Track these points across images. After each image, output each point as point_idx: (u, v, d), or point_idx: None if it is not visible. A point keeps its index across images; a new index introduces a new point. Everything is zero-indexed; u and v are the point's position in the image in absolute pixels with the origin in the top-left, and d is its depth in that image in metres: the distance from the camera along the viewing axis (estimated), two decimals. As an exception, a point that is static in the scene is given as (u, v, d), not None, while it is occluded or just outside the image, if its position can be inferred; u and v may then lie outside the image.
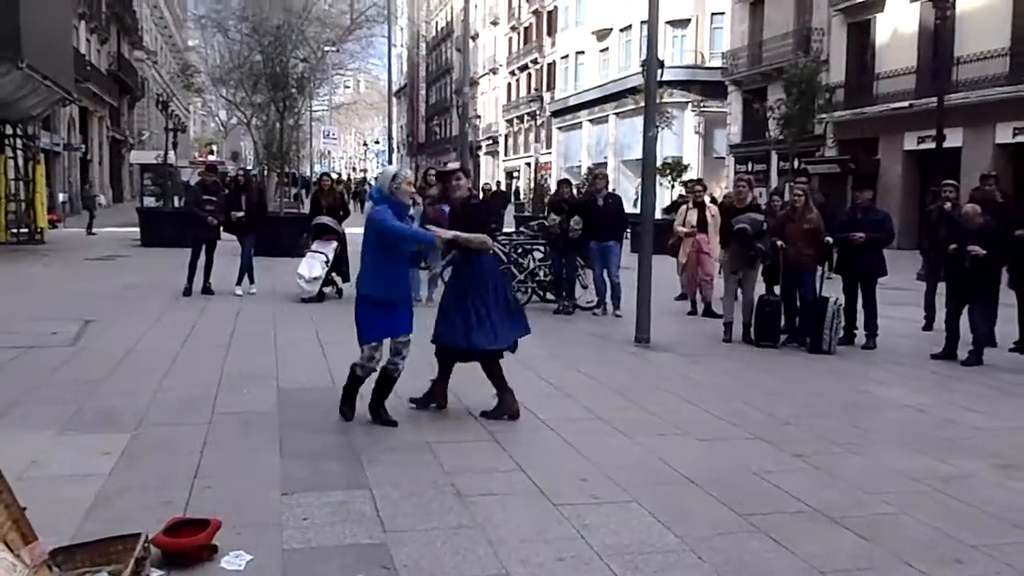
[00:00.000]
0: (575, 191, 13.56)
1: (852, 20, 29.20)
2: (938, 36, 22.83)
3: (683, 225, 12.09)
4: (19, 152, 22.06)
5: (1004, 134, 23.32)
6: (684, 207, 12.45)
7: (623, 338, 9.82)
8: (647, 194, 10.11)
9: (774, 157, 32.56)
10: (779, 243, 9.44)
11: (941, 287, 10.43)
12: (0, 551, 3.22)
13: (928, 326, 10.87)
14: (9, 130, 21.84)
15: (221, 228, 12.51)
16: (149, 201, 25.86)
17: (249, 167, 32.59)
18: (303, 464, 5.12)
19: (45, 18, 19.16)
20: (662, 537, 4.22)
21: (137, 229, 21.76)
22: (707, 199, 12.85)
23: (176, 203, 22.90)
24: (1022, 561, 4.04)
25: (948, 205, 10.30)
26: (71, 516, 4.19)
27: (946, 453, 5.76)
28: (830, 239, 9.53)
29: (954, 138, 22.95)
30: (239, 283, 12.61)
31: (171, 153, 31.15)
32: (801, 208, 9.52)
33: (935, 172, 17.37)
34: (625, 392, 7.29)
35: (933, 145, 20.82)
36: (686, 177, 34.32)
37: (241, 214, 12.50)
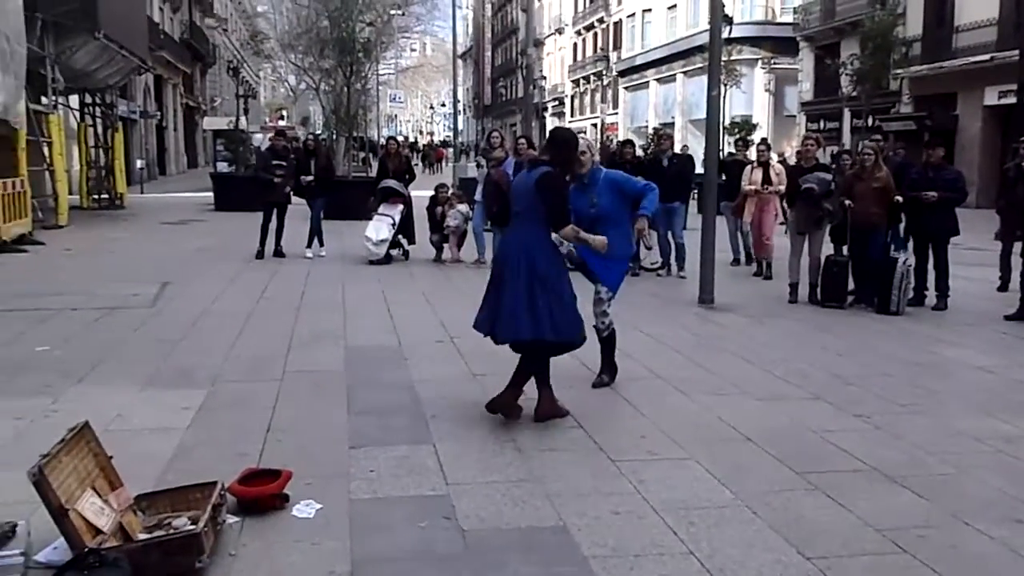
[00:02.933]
0: (643, 152, 13.51)
1: (931, -30, 28.19)
2: (1022, -15, 21.92)
3: (749, 184, 11.95)
4: (98, 120, 22.78)
5: (1091, 87, 22.34)
6: (749, 166, 12.30)
7: (687, 299, 9.82)
8: (711, 155, 10.02)
9: (847, 115, 31.75)
10: (847, 202, 9.30)
11: (1018, 247, 10.19)
12: (90, 496, 3.46)
13: (1003, 287, 10.61)
14: (88, 99, 22.54)
15: (291, 192, 12.80)
16: (222, 166, 26.44)
17: (318, 132, 33.04)
18: (369, 419, 5.31)
19: (120, -12, 19.64)
20: (718, 493, 4.29)
21: (211, 194, 22.35)
22: (775, 157, 12.67)
23: (246, 168, 23.36)
24: (1083, 521, 4.02)
25: (1025, 162, 9.99)
26: (153, 466, 4.43)
27: (1012, 414, 5.68)
28: (900, 198, 9.34)
29: (1037, 92, 22.07)
30: (309, 246, 12.92)
31: (242, 119, 31.78)
32: (871, 167, 9.33)
33: (1016, 128, 16.75)
34: (686, 352, 7.33)
35: (1015, 100, 20.09)
36: (756, 136, 33.79)
37: (311, 178, 12.77)
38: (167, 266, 11.72)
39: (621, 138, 41.66)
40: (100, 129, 22.76)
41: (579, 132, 6.76)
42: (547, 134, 7.63)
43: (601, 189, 5.84)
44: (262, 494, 3.98)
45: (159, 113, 39.18)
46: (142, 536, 3.54)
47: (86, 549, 3.21)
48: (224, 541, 3.66)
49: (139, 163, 30.40)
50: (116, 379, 6.17)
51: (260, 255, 12.58)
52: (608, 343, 6.19)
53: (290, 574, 3.45)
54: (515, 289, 5.09)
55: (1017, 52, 19.59)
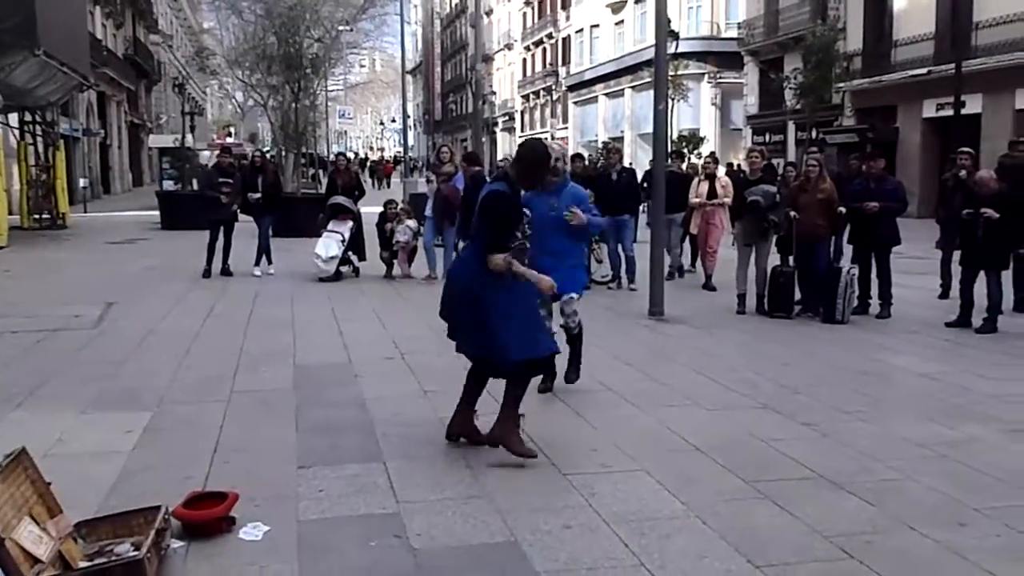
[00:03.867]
0: (593, 165, 13.61)
1: (870, -14, 28.88)
2: (956, 1, 22.54)
3: (695, 197, 12.08)
4: (39, 138, 22.30)
5: (1024, 99, 23.05)
6: (696, 179, 12.45)
7: (637, 312, 9.88)
8: (658, 168, 10.12)
9: (791, 127, 32.32)
10: (792, 213, 9.45)
11: (957, 255, 10.42)
12: (28, 524, 3.36)
13: (944, 294, 10.85)
14: (28, 117, 22.07)
15: (238, 210, 12.65)
16: (168, 184, 26.07)
17: (266, 148, 32.73)
18: (319, 438, 5.24)
19: (60, 4, 19.28)
20: (668, 504, 4.31)
21: (157, 212, 21.99)
22: (721, 171, 12.84)
23: (194, 186, 23.07)
24: (1023, 522, 4.10)
25: (963, 173, 10.25)
26: (95, 491, 4.33)
27: (955, 420, 5.80)
28: (843, 209, 9.52)
29: (973, 104, 22.70)
30: (257, 264, 12.77)
31: (189, 136, 31.39)
32: (815, 178, 9.50)
33: (954, 139, 17.23)
34: (637, 364, 7.37)
35: (952, 112, 20.64)
36: (704, 149, 34.23)
37: (258, 195, 12.64)
38: (112, 286, 11.49)
39: (572, 152, 41.98)
40: (41, 147, 22.27)
41: (552, 140, 6.93)
42: (514, 148, 7.63)
43: (564, 197, 6.08)
44: (208, 517, 3.90)
45: (103, 131, 38.50)
46: (83, 564, 3.44)
47: (23, 579, 3.11)
48: (169, 567, 3.59)
49: (82, 182, 29.79)
50: (57, 402, 6.02)
51: (207, 274, 12.40)
52: (578, 340, 6.44)
53: (237, 599, 3.39)
54: (464, 312, 4.90)
55: (953, 66, 20.13)
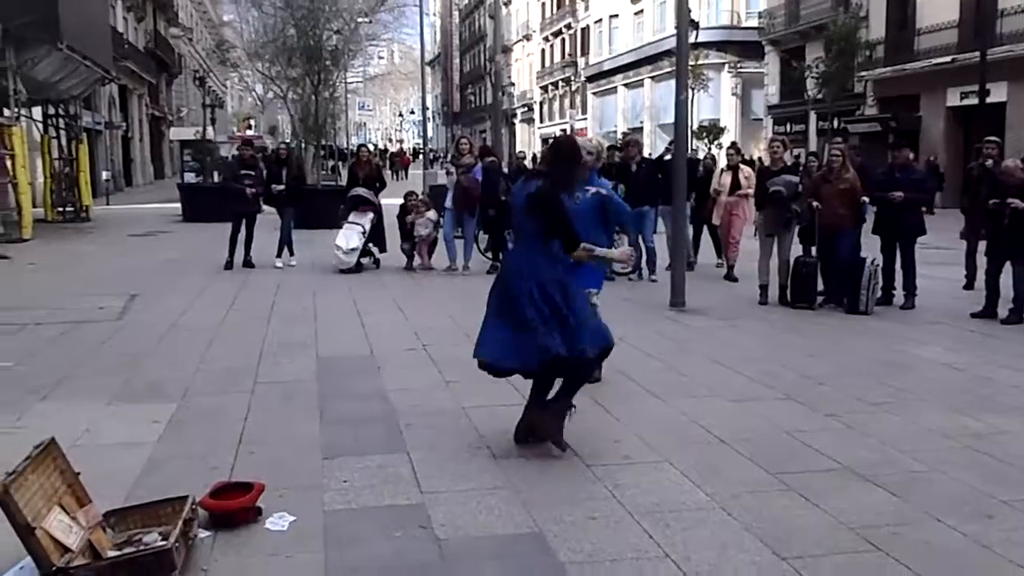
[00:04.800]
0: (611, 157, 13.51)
1: (893, -26, 28.60)
2: (981, -12, 22.30)
3: (718, 187, 12.01)
4: (62, 132, 22.49)
5: (1050, 87, 22.78)
6: (719, 169, 12.39)
7: (659, 303, 9.85)
8: (679, 159, 10.07)
9: (813, 117, 32.11)
10: (815, 204, 9.39)
11: (982, 246, 10.32)
12: (57, 513, 3.39)
13: (969, 285, 10.75)
14: (52, 110, 22.25)
15: (261, 201, 12.72)
16: (189, 177, 26.23)
17: (287, 141, 32.86)
18: (343, 430, 5.26)
19: (83, -1, 19.43)
20: (692, 495, 4.30)
21: (179, 205, 22.14)
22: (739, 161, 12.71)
23: (215, 178, 23.17)
24: (1052, 515, 4.07)
25: (989, 162, 10.14)
26: (122, 481, 4.37)
27: (981, 411, 5.75)
28: (866, 198, 9.44)
29: (998, 93, 22.48)
30: (279, 255, 12.83)
31: (209, 128, 31.54)
32: (838, 168, 9.43)
33: (978, 128, 17.05)
34: (658, 356, 7.35)
35: (976, 101, 20.42)
36: (724, 140, 34.04)
37: (282, 187, 12.70)
38: (135, 278, 11.58)
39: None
40: (64, 141, 22.47)
41: (589, 135, 6.90)
42: (533, 139, 7.60)
43: (589, 191, 5.94)
44: (234, 507, 3.93)
45: (124, 124, 38.75)
46: (111, 553, 3.47)
47: (54, 568, 3.15)
48: (196, 556, 3.61)
49: (105, 175, 30.05)
50: (83, 394, 6.08)
51: (229, 266, 12.47)
52: None
53: (264, 588, 3.41)
54: (534, 308, 4.61)
55: (977, 53, 19.90)
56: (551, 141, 5.58)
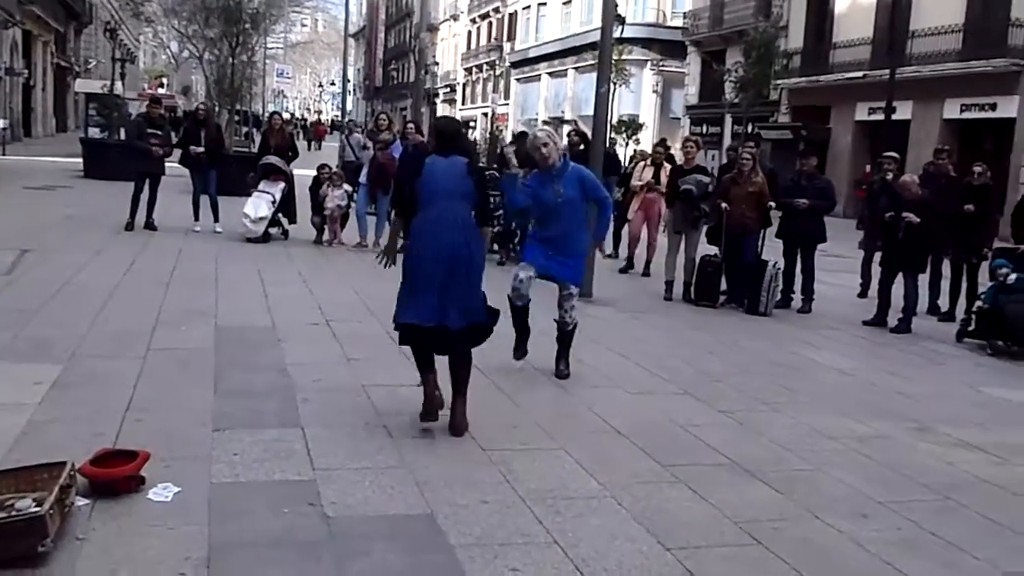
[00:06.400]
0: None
1: (813, -13, 29.36)
2: (895, 8, 23.07)
3: (638, 181, 12.10)
4: (-43, 74, 21.31)
5: (952, 110, 23.80)
6: (641, 164, 12.51)
7: (566, 292, 9.89)
8: (596, 151, 10.14)
9: (728, 120, 32.77)
10: (723, 205, 9.59)
11: (877, 256, 10.71)
12: (-79, 474, 3.22)
13: (863, 293, 11.17)
14: (-53, 51, 21.08)
15: (164, 163, 12.29)
16: (94, 132, 25.17)
17: (206, 102, 31.91)
18: (237, 401, 5.14)
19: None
20: (585, 484, 4.35)
21: (80, 160, 21.25)
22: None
23: (121, 135, 22.29)
24: (923, 517, 4.26)
25: (889, 176, 10.52)
26: (-2, 444, 4.18)
27: (866, 415, 5.98)
28: (773, 203, 9.69)
29: (904, 111, 23.37)
30: (197, 219, 12.43)
31: (119, 84, 30.33)
32: (747, 172, 9.64)
33: (884, 143, 17.66)
34: (563, 344, 7.39)
35: (883, 117, 21.16)
36: (642, 136, 34.48)
37: (200, 149, 12.29)
38: (28, 233, 11.05)
39: (511, 129, 41.82)
40: (-41, 84, 21.31)
41: (549, 124, 7.10)
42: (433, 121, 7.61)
43: (568, 181, 6.01)
44: (116, 476, 3.80)
45: (26, 71, 36.91)
46: (-20, 518, 3.32)
47: (-86, 531, 2.99)
48: (72, 524, 3.48)
49: (1, 123, 28.60)
50: (-38, 350, 5.79)
51: (130, 227, 12.02)
52: (571, 336, 6.33)
53: (142, 559, 3.30)
54: (463, 272, 4.72)
55: (887, 71, 20.61)
56: (434, 125, 5.66)
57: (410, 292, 4.74)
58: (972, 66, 22.32)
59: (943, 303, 10.27)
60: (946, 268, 10.36)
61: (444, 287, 4.66)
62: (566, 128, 17.65)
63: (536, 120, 45.48)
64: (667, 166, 12.09)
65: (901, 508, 4.35)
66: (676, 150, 13.19)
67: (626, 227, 12.60)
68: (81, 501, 3.65)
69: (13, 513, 3.32)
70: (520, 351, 6.27)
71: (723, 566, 3.61)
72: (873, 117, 25.03)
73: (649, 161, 12.40)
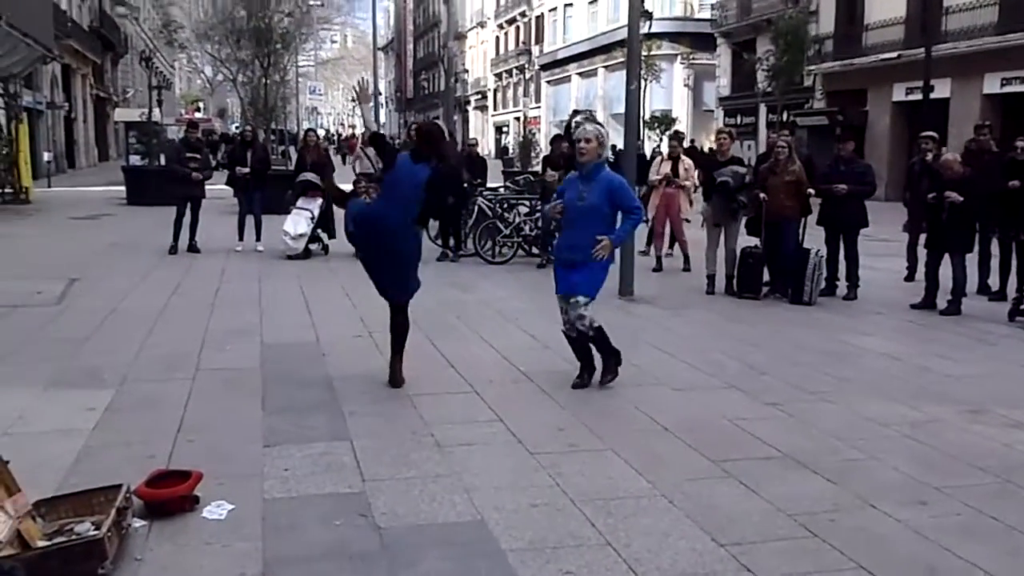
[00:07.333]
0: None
1: (842, -31, 28.96)
2: (927, -15, 22.67)
3: (657, 176, 12.01)
4: (1, 111, 21.83)
5: (992, 84, 23.28)
6: (659, 158, 12.44)
7: (607, 292, 9.78)
8: (629, 148, 10.11)
9: (763, 110, 32.44)
10: (761, 195, 9.49)
11: (923, 238, 10.53)
12: (-17, 503, 3.30)
13: (910, 277, 10.97)
14: (-10, 89, 21.60)
15: (205, 186, 12.49)
16: (134, 159, 25.64)
17: (250, 124, 32.39)
18: (285, 417, 5.20)
19: (23, -26, 18.89)
20: (635, 483, 4.32)
21: (123, 188, 21.66)
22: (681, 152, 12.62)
23: (161, 161, 22.69)
24: (981, 501, 4.17)
25: (929, 156, 10.33)
26: (55, 470, 4.26)
27: (917, 400, 5.87)
28: (812, 191, 9.57)
29: (942, 89, 22.91)
30: (241, 238, 12.63)
31: (156, 110, 30.88)
32: (784, 160, 9.54)
33: (923, 123, 17.34)
34: (606, 344, 7.36)
35: (921, 96, 20.80)
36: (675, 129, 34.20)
37: (247, 170, 12.50)
38: (75, 262, 11.29)
39: (544, 132, 41.82)
40: (3, 120, 21.83)
41: (585, 119, 7.44)
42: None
43: (596, 185, 5.73)
44: (170, 496, 3.86)
45: (67, 104, 37.75)
46: (41, 543, 3.39)
47: (-21, 559, 3.06)
48: (130, 546, 3.54)
49: (46, 156, 29.22)
50: (17, 380, 5.92)
51: (174, 250, 12.24)
52: (596, 340, 6.00)
53: (199, 578, 3.35)
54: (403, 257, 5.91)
55: (923, 50, 20.26)
56: (415, 128, 6.67)
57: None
58: (1009, 39, 21.82)
59: (993, 282, 10.04)
60: (995, 247, 10.14)
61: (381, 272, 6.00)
62: (578, 118, 17.43)
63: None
64: (684, 159, 11.99)
65: (959, 493, 4.27)
66: (707, 141, 13.10)
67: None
68: (138, 523, 3.72)
69: (73, 537, 3.40)
70: (577, 379, 6.03)
71: (779, 560, 3.57)
72: (911, 97, 24.57)
73: (666, 155, 12.30)
